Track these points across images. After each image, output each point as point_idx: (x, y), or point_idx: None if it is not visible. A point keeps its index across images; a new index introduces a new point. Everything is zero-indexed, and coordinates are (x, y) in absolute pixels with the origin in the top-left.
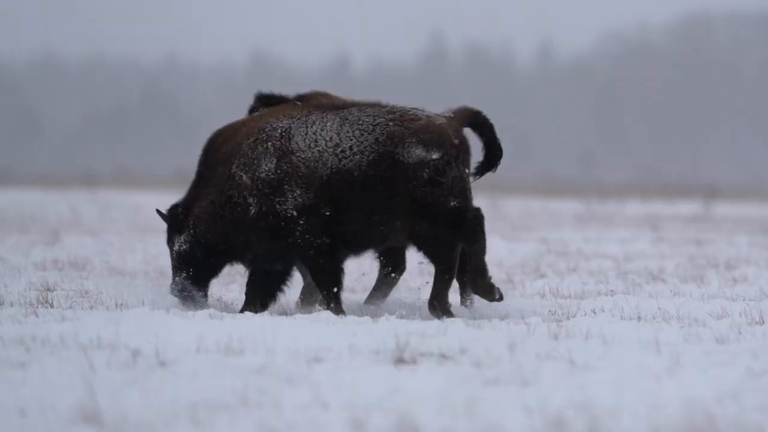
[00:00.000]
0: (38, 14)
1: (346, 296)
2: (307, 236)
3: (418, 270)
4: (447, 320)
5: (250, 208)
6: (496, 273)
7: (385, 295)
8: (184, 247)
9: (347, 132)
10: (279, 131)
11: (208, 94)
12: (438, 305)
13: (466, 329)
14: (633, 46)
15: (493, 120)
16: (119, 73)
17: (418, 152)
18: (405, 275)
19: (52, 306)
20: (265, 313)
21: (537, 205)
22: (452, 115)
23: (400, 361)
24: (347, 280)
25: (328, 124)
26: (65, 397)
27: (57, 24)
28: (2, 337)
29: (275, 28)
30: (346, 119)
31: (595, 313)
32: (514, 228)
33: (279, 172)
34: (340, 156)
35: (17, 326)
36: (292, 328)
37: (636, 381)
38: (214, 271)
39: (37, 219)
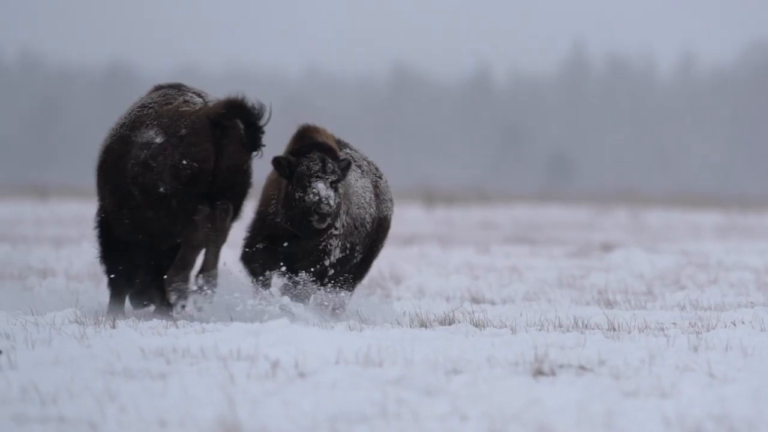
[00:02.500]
0: (181, 28)
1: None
2: None
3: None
4: (586, 332)
5: None
6: (636, 285)
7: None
8: None
9: (131, 117)
10: None
11: (349, 106)
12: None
13: (605, 341)
14: None
15: (633, 130)
16: (260, 85)
17: (148, 135)
18: None
19: (192, 317)
20: (405, 324)
21: (677, 216)
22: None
23: (538, 372)
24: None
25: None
26: (205, 408)
27: (199, 37)
28: (143, 348)
29: (417, 42)
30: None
31: (735, 325)
32: (654, 239)
33: None
34: (112, 141)
35: (158, 338)
36: (431, 339)
37: None
38: None
39: None
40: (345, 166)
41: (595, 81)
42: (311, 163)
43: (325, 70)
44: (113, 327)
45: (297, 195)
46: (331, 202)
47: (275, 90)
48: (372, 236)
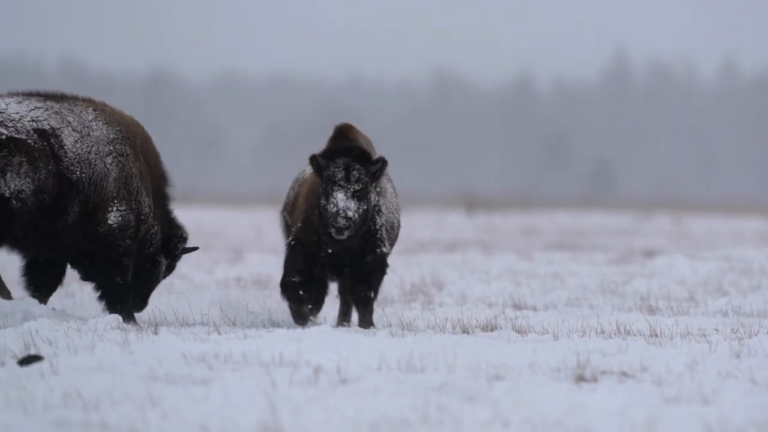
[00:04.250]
0: (222, 34)
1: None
2: None
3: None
4: (628, 338)
5: None
6: (678, 291)
7: None
8: None
9: None
10: None
11: (390, 112)
12: None
13: (647, 347)
14: None
15: (675, 136)
16: (301, 91)
17: None
18: None
19: (234, 324)
20: (447, 330)
21: (720, 222)
22: None
23: (580, 378)
24: None
25: None
26: (247, 414)
27: (240, 43)
28: (185, 354)
29: (458, 47)
30: None
31: None
32: (697, 246)
33: None
34: None
35: (200, 344)
36: (473, 345)
37: None
38: None
39: (221, 237)
40: (378, 169)
41: (637, 87)
42: (336, 170)
43: (367, 76)
44: (155, 333)
45: (322, 201)
46: (350, 214)
47: (316, 96)
48: (397, 237)
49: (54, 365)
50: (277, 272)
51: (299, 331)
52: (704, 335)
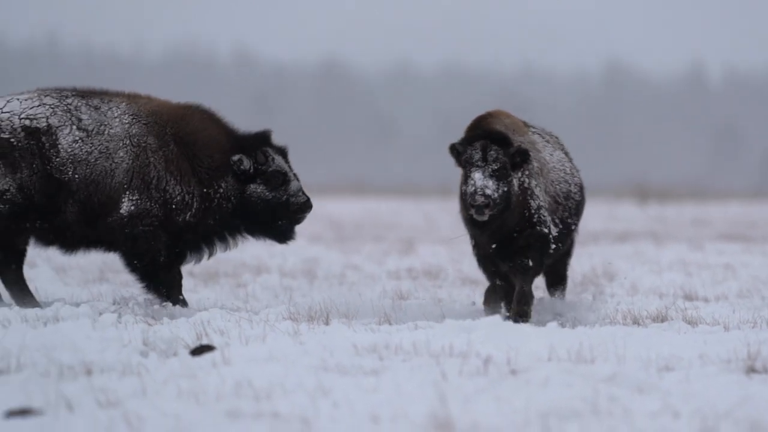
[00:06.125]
0: (395, 26)
1: None
2: None
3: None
4: None
5: None
6: None
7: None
8: None
9: None
10: None
11: (563, 101)
12: None
13: None
14: None
15: None
16: (474, 81)
17: None
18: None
19: (405, 314)
20: (617, 321)
21: None
22: None
23: (751, 370)
24: None
25: None
26: (417, 404)
27: (413, 35)
28: (356, 345)
29: (634, 38)
30: None
31: None
32: None
33: None
34: None
35: (371, 334)
36: (643, 337)
37: None
38: None
39: (393, 228)
40: (515, 152)
41: None
42: (473, 152)
43: (539, 66)
44: (326, 323)
45: (462, 187)
46: (488, 192)
47: (490, 85)
48: (581, 205)
49: (226, 355)
50: (449, 263)
51: (469, 322)
52: None
